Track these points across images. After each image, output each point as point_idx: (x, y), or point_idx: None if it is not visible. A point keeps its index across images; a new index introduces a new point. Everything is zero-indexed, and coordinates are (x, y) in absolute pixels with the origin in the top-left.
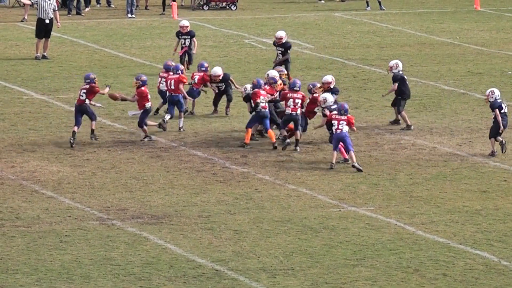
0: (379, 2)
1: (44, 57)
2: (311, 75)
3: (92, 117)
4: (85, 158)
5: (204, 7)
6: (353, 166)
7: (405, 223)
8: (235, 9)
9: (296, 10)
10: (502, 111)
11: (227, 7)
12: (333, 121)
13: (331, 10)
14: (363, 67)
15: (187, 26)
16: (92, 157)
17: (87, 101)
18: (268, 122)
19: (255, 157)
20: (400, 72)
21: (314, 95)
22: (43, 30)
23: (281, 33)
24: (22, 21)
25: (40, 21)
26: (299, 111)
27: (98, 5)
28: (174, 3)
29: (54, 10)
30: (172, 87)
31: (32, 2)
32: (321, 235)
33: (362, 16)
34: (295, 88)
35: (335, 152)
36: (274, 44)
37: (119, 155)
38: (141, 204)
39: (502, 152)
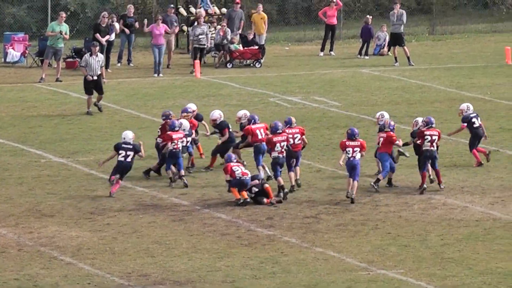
0: (408, 58)
1: (99, 109)
2: (338, 133)
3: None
4: (105, 222)
5: (228, 65)
6: (349, 197)
7: (436, 285)
8: (260, 67)
9: (322, 66)
10: (475, 125)
11: (251, 65)
12: (347, 149)
13: (359, 66)
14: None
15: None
16: (112, 221)
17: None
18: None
19: (281, 219)
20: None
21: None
22: (92, 86)
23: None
24: (39, 81)
25: (87, 81)
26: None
27: (119, 64)
28: (197, 61)
29: (101, 66)
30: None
31: (84, 65)
32: None
33: (390, 72)
34: (278, 131)
35: (350, 179)
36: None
37: (141, 219)
38: (163, 269)
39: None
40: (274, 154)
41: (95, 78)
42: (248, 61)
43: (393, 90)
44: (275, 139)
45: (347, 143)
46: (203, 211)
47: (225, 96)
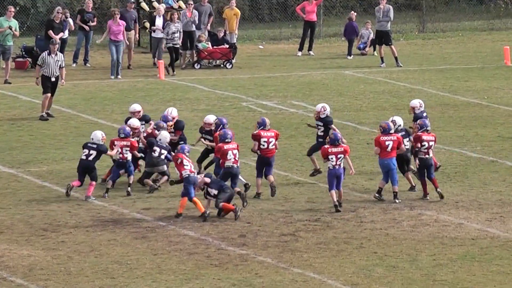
0: (396, 58)
1: (49, 115)
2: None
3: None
4: (59, 240)
5: (196, 65)
6: (339, 210)
7: None
8: (231, 68)
9: (301, 68)
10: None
11: (222, 66)
12: (330, 156)
13: (341, 68)
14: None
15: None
16: (67, 238)
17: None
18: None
19: (255, 237)
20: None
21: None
22: (50, 86)
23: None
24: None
25: (46, 79)
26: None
27: (74, 65)
28: (161, 61)
29: (60, 67)
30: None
31: (41, 64)
32: None
33: (376, 74)
34: (226, 140)
35: (334, 191)
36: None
37: (99, 236)
38: None
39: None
40: (228, 163)
41: (53, 79)
42: (218, 61)
43: (379, 94)
44: (225, 147)
45: (329, 149)
46: (169, 227)
47: (193, 100)
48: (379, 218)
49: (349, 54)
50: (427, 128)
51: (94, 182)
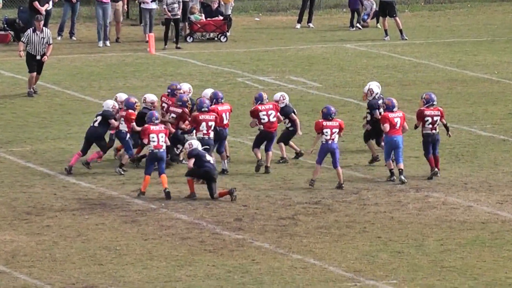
0: (400, 31)
1: (34, 91)
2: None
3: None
4: (44, 224)
5: (188, 38)
6: (311, 185)
7: None
8: (225, 41)
9: (300, 41)
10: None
11: (216, 39)
12: (324, 130)
13: (342, 41)
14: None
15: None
16: (53, 223)
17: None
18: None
19: (252, 221)
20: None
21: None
22: (35, 64)
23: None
24: None
25: (31, 57)
26: (212, 135)
27: (59, 38)
28: (151, 34)
29: (48, 44)
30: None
31: (24, 42)
32: None
33: (379, 47)
34: (203, 109)
35: (319, 166)
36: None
37: (86, 220)
38: (113, 279)
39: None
40: (199, 134)
41: (39, 58)
42: (212, 34)
43: (382, 69)
44: (201, 117)
45: (324, 123)
46: (160, 211)
47: (185, 76)
48: (383, 200)
49: (351, 25)
50: (433, 103)
51: (101, 152)
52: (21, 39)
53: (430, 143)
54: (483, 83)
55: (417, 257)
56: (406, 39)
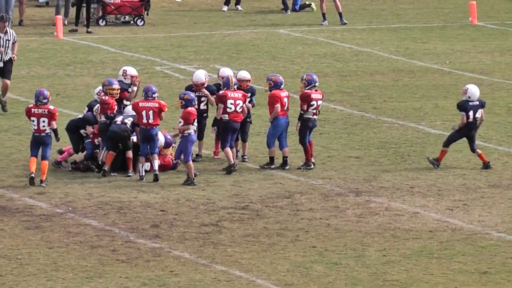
0: (340, 14)
1: (3, 107)
2: None
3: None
4: None
5: (100, 22)
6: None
7: None
8: (143, 25)
9: (227, 25)
10: (469, 120)
11: (132, 22)
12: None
13: (274, 26)
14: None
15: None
16: None
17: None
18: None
19: (170, 227)
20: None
21: None
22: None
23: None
24: None
25: None
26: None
27: None
28: (59, 17)
29: (14, 42)
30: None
31: None
32: None
33: (317, 33)
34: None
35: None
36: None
37: None
38: None
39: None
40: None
41: (7, 59)
42: (127, 17)
43: (320, 57)
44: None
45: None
46: (67, 215)
47: (97, 64)
48: (319, 205)
49: (285, 8)
50: (315, 84)
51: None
52: None
53: (308, 129)
54: (433, 74)
55: (357, 269)
56: (346, 23)
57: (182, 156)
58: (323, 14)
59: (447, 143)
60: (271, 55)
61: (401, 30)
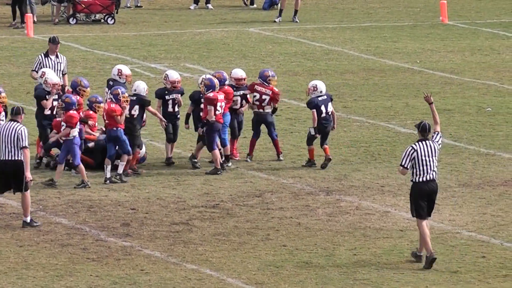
0: (295, 11)
1: None
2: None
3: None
4: None
5: (71, 20)
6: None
7: None
8: (113, 23)
9: (197, 24)
10: (322, 115)
11: (102, 20)
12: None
13: (244, 24)
14: (289, 102)
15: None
16: None
17: None
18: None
19: (141, 226)
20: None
21: None
22: None
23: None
24: None
25: None
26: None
27: None
28: (29, 15)
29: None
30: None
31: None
32: None
33: (287, 32)
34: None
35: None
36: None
37: None
38: None
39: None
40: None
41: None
42: (98, 15)
43: (290, 56)
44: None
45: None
46: (37, 213)
47: (67, 62)
48: (289, 204)
49: (251, 2)
50: (268, 82)
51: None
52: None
53: (257, 123)
54: (404, 73)
55: (327, 268)
56: (297, 22)
57: (72, 160)
58: (281, 11)
59: (309, 142)
60: (241, 54)
61: (372, 29)
